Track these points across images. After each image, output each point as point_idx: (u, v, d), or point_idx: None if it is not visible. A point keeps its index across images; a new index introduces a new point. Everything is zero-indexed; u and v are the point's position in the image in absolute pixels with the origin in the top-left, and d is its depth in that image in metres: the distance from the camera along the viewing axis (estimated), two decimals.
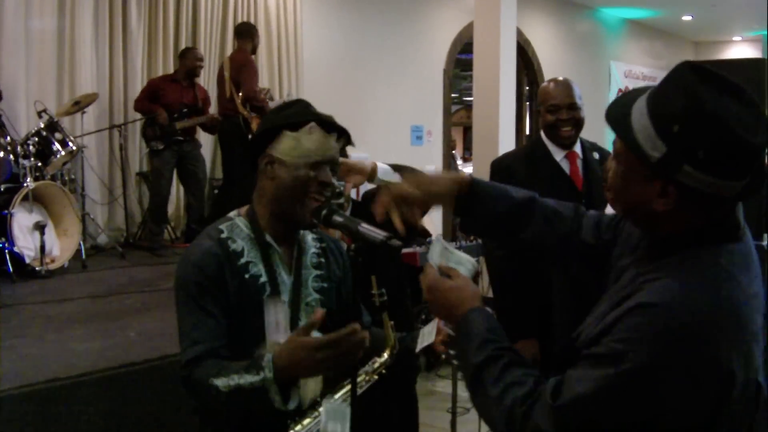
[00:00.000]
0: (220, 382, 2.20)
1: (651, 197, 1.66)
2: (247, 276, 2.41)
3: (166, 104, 8.19)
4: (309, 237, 2.62)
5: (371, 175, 3.24)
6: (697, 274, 1.62)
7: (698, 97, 1.57)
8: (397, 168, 3.35)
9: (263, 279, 2.42)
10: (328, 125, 2.46)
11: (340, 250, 2.74)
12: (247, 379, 2.18)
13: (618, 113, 1.72)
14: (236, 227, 2.48)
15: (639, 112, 1.66)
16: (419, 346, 2.59)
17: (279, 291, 2.44)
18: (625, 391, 1.55)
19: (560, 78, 4.13)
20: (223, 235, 2.45)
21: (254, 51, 8.64)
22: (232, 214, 2.54)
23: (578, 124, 3.96)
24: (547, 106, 3.93)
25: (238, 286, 2.39)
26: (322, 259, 2.61)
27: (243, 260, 2.42)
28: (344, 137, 2.54)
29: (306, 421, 2.31)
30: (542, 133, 4.07)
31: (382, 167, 3.28)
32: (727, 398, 1.56)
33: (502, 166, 4.12)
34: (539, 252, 2.23)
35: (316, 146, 2.40)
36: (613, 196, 1.80)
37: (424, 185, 2.09)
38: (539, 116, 4.07)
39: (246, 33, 8.62)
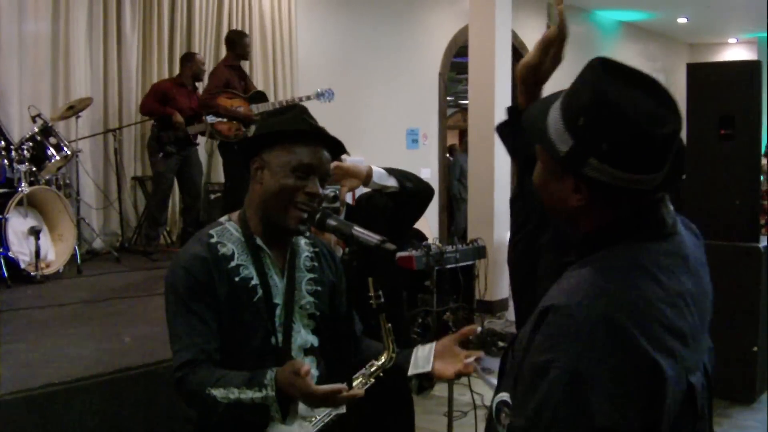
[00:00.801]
0: (219, 393, 2.21)
1: (567, 194, 1.66)
2: (237, 279, 2.40)
3: (180, 109, 8.19)
4: (302, 241, 2.61)
5: (367, 179, 3.23)
6: (611, 271, 1.60)
7: (602, 90, 1.58)
8: (391, 171, 3.35)
9: (254, 281, 2.42)
10: (322, 135, 2.46)
11: (332, 255, 2.73)
12: (248, 395, 2.19)
13: (535, 114, 1.73)
14: (226, 231, 2.48)
15: (554, 110, 1.66)
16: (412, 370, 2.51)
17: (271, 294, 2.44)
18: (562, 402, 1.50)
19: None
20: (213, 240, 2.44)
21: (243, 58, 8.57)
22: (223, 218, 2.55)
23: None
24: None
25: (228, 289, 2.38)
26: (315, 263, 2.60)
27: (233, 263, 2.41)
28: (338, 149, 2.54)
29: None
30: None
31: (378, 171, 3.28)
32: (662, 394, 1.51)
33: None
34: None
35: (306, 156, 2.39)
36: (540, 197, 1.80)
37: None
38: None
39: (227, 42, 8.66)
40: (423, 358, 2.52)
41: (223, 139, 7.99)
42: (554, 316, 1.54)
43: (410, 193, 3.45)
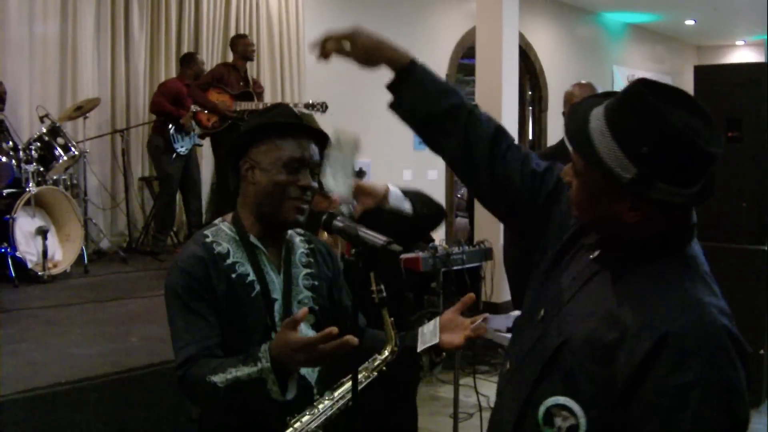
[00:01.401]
0: (218, 379, 2.21)
1: (621, 211, 1.71)
2: (234, 276, 2.41)
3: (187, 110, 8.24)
4: (297, 238, 2.62)
5: (383, 200, 3.22)
6: (688, 282, 1.69)
7: (660, 116, 1.62)
8: (407, 193, 3.33)
9: (251, 277, 2.43)
10: (308, 128, 2.48)
11: (329, 251, 2.74)
12: (244, 370, 2.19)
13: (578, 132, 1.77)
14: (221, 231, 2.49)
15: (599, 132, 1.70)
16: (421, 346, 2.53)
17: (268, 289, 2.45)
18: (717, 413, 1.59)
19: (584, 81, 4.15)
20: (208, 240, 2.45)
21: (247, 58, 8.56)
22: (217, 220, 2.56)
23: None
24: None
25: (225, 287, 2.39)
26: (311, 259, 2.61)
27: (229, 261, 2.42)
28: (325, 140, 2.56)
29: (305, 419, 2.31)
30: (566, 137, 4.08)
31: (395, 192, 3.26)
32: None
33: None
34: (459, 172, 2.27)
35: (295, 150, 2.41)
36: (578, 212, 1.85)
37: (369, 48, 2.29)
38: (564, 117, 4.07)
39: (230, 46, 8.76)
40: (429, 333, 2.54)
41: (201, 129, 8.06)
42: (676, 340, 1.60)
43: (424, 219, 3.45)
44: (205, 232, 2.49)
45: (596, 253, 1.85)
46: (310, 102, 7.77)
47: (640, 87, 1.67)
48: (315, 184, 2.46)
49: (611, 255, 1.81)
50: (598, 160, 1.68)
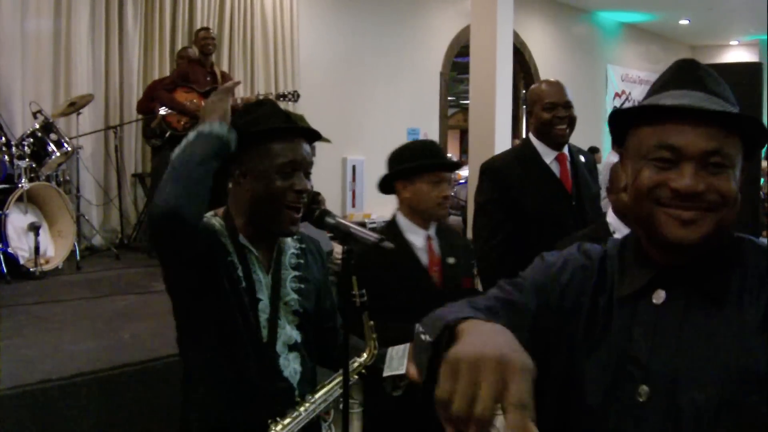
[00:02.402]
0: (174, 156, 2.24)
1: None
2: (228, 258, 2.39)
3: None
4: (288, 238, 2.58)
5: None
6: None
7: None
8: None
9: (239, 272, 2.40)
10: (299, 128, 2.44)
11: (320, 251, 2.72)
12: (192, 135, 2.26)
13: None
14: (212, 226, 2.45)
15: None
16: (387, 371, 2.52)
17: (254, 289, 2.42)
18: None
19: (552, 79, 4.14)
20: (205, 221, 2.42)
21: (203, 52, 8.11)
22: (209, 214, 2.50)
23: (572, 123, 3.98)
24: (544, 104, 3.93)
25: (219, 262, 2.37)
26: (301, 260, 2.59)
27: (224, 244, 2.41)
28: (315, 137, 2.51)
29: (286, 421, 2.31)
30: (531, 136, 4.07)
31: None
32: None
33: (492, 169, 4.10)
34: None
35: (288, 154, 2.37)
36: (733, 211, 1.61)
37: None
38: (531, 117, 4.05)
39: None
40: (397, 359, 2.52)
41: (172, 132, 7.87)
42: None
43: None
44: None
45: (662, 295, 1.53)
46: (282, 92, 7.61)
47: None
48: (310, 186, 2.42)
49: (692, 283, 1.52)
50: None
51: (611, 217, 3.29)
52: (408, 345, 2.52)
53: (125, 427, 3.98)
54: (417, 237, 3.47)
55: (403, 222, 3.51)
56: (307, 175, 2.43)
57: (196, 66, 7.92)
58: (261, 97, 7.27)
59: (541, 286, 1.64)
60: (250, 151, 2.37)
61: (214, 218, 2.48)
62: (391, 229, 3.50)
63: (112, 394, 3.99)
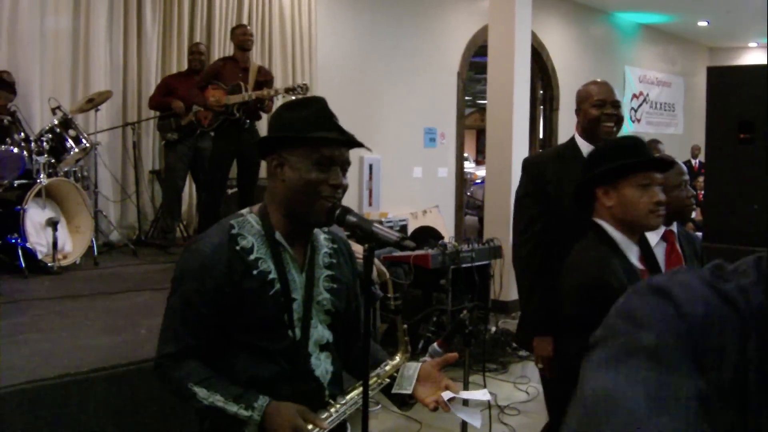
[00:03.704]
0: (201, 393, 2.29)
1: None
2: (255, 272, 2.39)
3: (182, 98, 8.28)
4: (321, 237, 2.59)
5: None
6: None
7: None
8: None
9: (272, 275, 2.41)
10: (350, 141, 2.43)
11: (350, 252, 2.72)
12: (233, 408, 2.28)
13: None
14: (247, 223, 2.46)
15: None
16: (396, 389, 2.56)
17: (289, 288, 2.43)
18: None
19: (599, 80, 4.18)
20: (234, 231, 2.42)
21: (242, 48, 7.97)
22: (244, 210, 2.52)
23: (620, 122, 4.01)
24: (594, 101, 3.96)
25: (245, 283, 2.37)
26: (334, 260, 2.59)
27: (252, 257, 2.40)
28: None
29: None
30: (576, 134, 4.09)
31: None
32: None
33: (534, 164, 4.17)
34: None
35: (327, 149, 2.36)
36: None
37: None
38: (578, 115, 4.07)
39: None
40: (407, 378, 2.55)
41: (201, 129, 8.00)
42: None
43: None
44: (232, 222, 2.46)
45: None
46: (291, 86, 7.56)
47: None
48: (346, 183, 2.41)
49: None
50: None
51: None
52: (419, 365, 2.57)
53: (142, 423, 4.00)
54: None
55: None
56: (344, 171, 2.42)
57: (229, 63, 7.88)
58: (273, 94, 7.33)
59: None
60: (289, 146, 2.38)
61: (249, 215, 2.49)
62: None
63: (128, 389, 4.01)
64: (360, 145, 2.45)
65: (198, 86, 7.68)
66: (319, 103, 2.48)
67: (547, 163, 4.08)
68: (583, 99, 4.04)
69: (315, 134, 2.36)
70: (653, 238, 3.41)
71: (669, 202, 3.12)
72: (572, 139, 4.12)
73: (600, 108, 3.95)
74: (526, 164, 4.21)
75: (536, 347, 3.91)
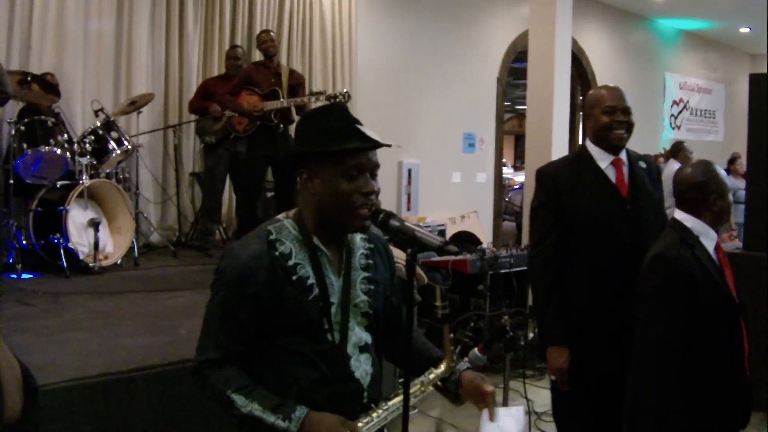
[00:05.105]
0: (239, 401, 2.30)
1: None
2: (294, 278, 2.39)
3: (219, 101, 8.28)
4: (357, 237, 2.58)
5: None
6: None
7: None
8: None
9: (311, 281, 2.41)
10: (375, 145, 2.42)
11: (387, 251, 2.71)
12: (270, 418, 2.27)
13: None
14: (284, 228, 2.46)
15: None
16: (464, 365, 2.62)
17: (327, 293, 2.43)
18: None
19: (611, 84, 4.11)
20: (272, 237, 2.43)
21: (266, 55, 7.97)
22: (281, 216, 2.52)
23: (630, 128, 3.93)
24: (603, 108, 3.88)
25: (285, 288, 2.38)
26: (370, 261, 2.59)
27: (291, 262, 2.40)
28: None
29: (359, 425, 2.32)
30: (588, 141, 4.04)
31: None
32: None
33: (548, 174, 4.08)
34: None
35: (354, 157, 2.35)
36: None
37: None
38: (588, 121, 4.02)
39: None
40: (477, 359, 2.64)
41: (235, 134, 7.94)
42: None
43: None
44: (269, 228, 2.46)
45: None
46: (333, 93, 7.51)
47: None
48: (377, 187, 2.40)
49: None
50: None
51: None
52: (483, 357, 2.58)
53: (182, 423, 4.02)
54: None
55: None
56: (374, 176, 2.41)
57: (261, 68, 7.84)
58: (315, 101, 7.27)
59: None
60: (315, 159, 2.38)
61: (286, 220, 2.49)
62: None
63: (169, 389, 4.03)
64: (386, 145, 2.45)
65: (230, 92, 7.67)
66: (340, 110, 2.48)
67: (560, 173, 4.03)
68: (593, 104, 3.96)
69: (336, 148, 2.35)
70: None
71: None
72: (584, 147, 4.07)
73: (610, 115, 3.87)
74: (540, 174, 4.13)
75: (550, 358, 3.85)
